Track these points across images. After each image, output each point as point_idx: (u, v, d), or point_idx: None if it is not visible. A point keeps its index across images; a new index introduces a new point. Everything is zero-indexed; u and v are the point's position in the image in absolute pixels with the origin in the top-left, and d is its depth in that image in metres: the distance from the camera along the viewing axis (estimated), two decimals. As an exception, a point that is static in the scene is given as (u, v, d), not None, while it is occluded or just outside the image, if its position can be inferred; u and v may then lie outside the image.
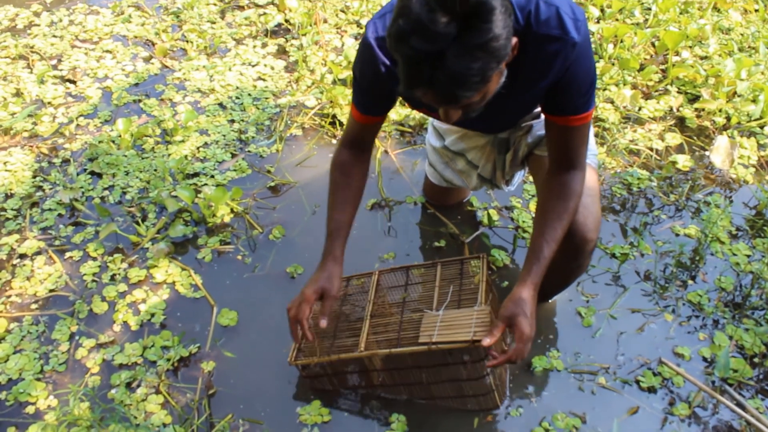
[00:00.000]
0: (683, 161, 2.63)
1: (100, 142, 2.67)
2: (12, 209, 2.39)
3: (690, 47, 3.31)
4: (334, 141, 2.73)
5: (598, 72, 3.04)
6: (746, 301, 2.07)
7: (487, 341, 1.47)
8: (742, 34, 3.46)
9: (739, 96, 2.93)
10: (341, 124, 2.78)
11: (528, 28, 1.32)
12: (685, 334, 1.98)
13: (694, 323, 2.02)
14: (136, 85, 3.06)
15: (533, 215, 2.24)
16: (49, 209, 2.39)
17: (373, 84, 1.51)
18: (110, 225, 2.22)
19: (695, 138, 2.79)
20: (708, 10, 3.61)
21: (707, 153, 2.67)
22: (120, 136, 2.66)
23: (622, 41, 3.25)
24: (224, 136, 2.73)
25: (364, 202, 2.40)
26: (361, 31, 3.42)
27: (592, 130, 1.87)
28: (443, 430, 1.73)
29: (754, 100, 2.89)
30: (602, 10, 3.58)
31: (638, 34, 3.22)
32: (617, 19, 3.54)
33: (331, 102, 2.84)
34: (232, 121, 2.83)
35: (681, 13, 3.61)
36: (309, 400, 1.80)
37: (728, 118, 2.87)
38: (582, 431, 1.73)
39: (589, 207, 1.66)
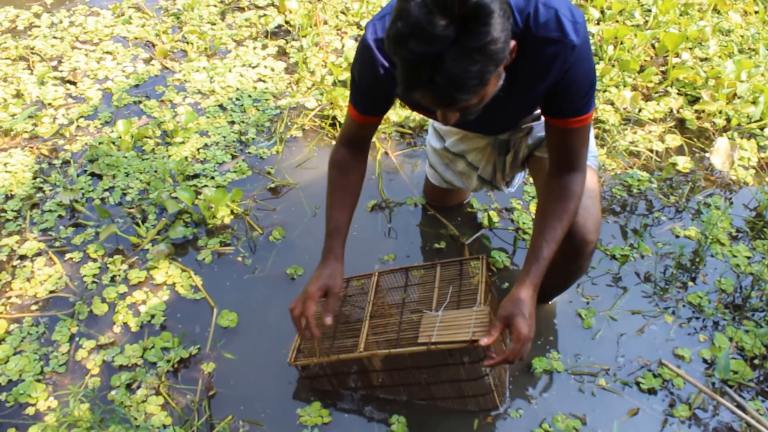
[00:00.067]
0: (683, 163, 2.63)
1: (100, 143, 2.67)
2: (12, 210, 2.39)
3: (690, 49, 3.31)
4: (334, 142, 2.72)
5: (598, 74, 3.04)
6: (746, 303, 2.07)
7: (484, 341, 1.47)
8: (742, 36, 3.47)
9: (739, 98, 2.93)
10: (341, 125, 2.78)
11: (527, 31, 1.33)
12: (685, 335, 1.98)
13: (695, 325, 2.01)
14: (137, 86, 3.07)
15: (533, 217, 2.24)
16: (50, 210, 2.39)
17: (372, 85, 1.51)
18: (110, 226, 2.22)
19: (695, 140, 2.79)
20: (708, 12, 3.62)
21: (707, 155, 2.67)
22: (120, 137, 2.66)
23: (622, 43, 3.25)
24: (224, 137, 2.73)
25: (365, 203, 2.40)
26: (362, 32, 3.42)
27: (592, 132, 1.87)
28: (443, 431, 1.73)
29: (754, 102, 2.89)
30: (602, 12, 3.58)
31: (638, 35, 3.23)
32: (617, 21, 3.55)
33: (332, 103, 2.84)
34: (233, 122, 2.83)
35: (681, 15, 3.61)
36: (309, 402, 1.80)
37: (728, 120, 2.88)
38: (582, 433, 1.73)
39: (589, 208, 1.66)
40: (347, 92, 2.78)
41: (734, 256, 2.23)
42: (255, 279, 2.16)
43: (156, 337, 1.96)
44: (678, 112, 2.92)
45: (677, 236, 2.31)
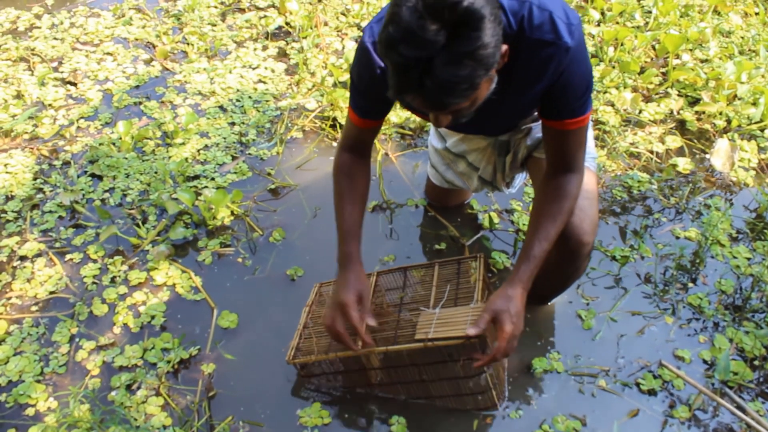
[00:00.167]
0: (683, 164, 2.63)
1: (100, 144, 2.67)
2: (12, 211, 2.39)
3: (690, 50, 3.31)
4: (334, 144, 2.73)
5: (598, 75, 3.04)
6: (746, 304, 2.07)
7: (471, 331, 1.48)
8: (742, 38, 3.47)
9: (739, 99, 2.93)
10: (342, 126, 2.78)
11: (521, 33, 1.33)
12: (685, 336, 1.98)
13: (695, 326, 2.01)
14: (137, 87, 3.07)
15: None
16: (50, 211, 2.39)
17: (370, 87, 1.51)
18: (111, 227, 2.22)
19: (695, 141, 2.79)
20: (708, 14, 3.62)
21: (708, 156, 2.67)
22: (120, 138, 2.66)
23: (622, 44, 3.25)
24: (225, 138, 2.73)
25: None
26: (362, 33, 3.42)
27: (591, 133, 1.87)
28: (443, 431, 1.73)
29: (755, 103, 2.89)
30: (603, 14, 3.58)
31: (639, 37, 3.23)
32: (618, 23, 3.55)
33: (332, 105, 2.84)
34: (233, 123, 2.83)
35: (681, 17, 3.61)
36: (309, 402, 1.80)
37: (728, 121, 2.88)
38: (582, 434, 1.73)
39: (585, 210, 1.66)
40: (347, 93, 2.78)
41: (734, 258, 2.23)
42: (255, 280, 2.16)
43: (156, 337, 1.96)
44: (678, 113, 2.92)
45: (677, 237, 2.31)
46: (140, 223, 2.32)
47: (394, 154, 2.67)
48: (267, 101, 2.96)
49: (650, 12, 3.61)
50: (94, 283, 2.13)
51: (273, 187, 2.51)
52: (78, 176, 2.54)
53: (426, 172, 2.39)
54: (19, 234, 2.32)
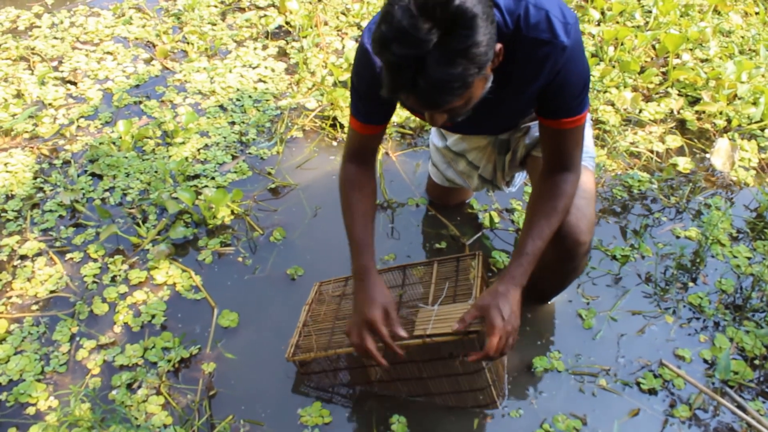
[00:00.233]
0: (684, 164, 2.63)
1: (100, 143, 2.67)
2: (13, 210, 2.39)
3: (690, 50, 3.31)
4: (334, 143, 2.73)
5: (599, 75, 3.04)
6: (747, 303, 2.07)
7: (455, 326, 1.48)
8: (742, 37, 3.47)
9: (739, 99, 2.93)
10: (342, 126, 2.78)
11: (517, 32, 1.33)
12: (685, 336, 1.98)
13: (695, 325, 2.02)
14: (137, 86, 3.07)
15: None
16: (50, 210, 2.39)
17: (371, 87, 1.51)
18: (111, 226, 2.22)
19: (696, 140, 2.79)
20: (708, 13, 3.62)
21: (708, 155, 2.68)
22: (121, 137, 2.66)
23: (622, 44, 3.25)
24: (225, 138, 2.73)
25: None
26: (362, 34, 3.42)
27: (590, 132, 1.87)
28: (443, 430, 1.73)
29: (755, 103, 2.89)
30: (603, 13, 3.58)
31: (639, 36, 3.23)
32: (618, 22, 3.55)
33: (332, 104, 2.84)
34: (233, 123, 2.83)
35: (681, 16, 3.62)
36: (310, 401, 1.80)
37: (729, 121, 2.88)
38: (583, 433, 1.73)
39: (582, 209, 1.66)
40: (347, 93, 2.78)
41: (735, 257, 2.23)
42: (255, 279, 2.16)
43: (156, 337, 1.96)
44: (678, 113, 2.92)
45: (678, 237, 2.31)
46: (140, 222, 2.32)
47: (395, 153, 2.67)
48: (267, 100, 2.96)
49: (650, 11, 3.61)
50: (94, 282, 2.13)
51: (273, 186, 2.51)
52: (78, 175, 2.54)
53: (427, 170, 2.39)
54: (20, 233, 2.31)
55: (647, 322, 2.02)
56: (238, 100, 2.96)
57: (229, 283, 2.15)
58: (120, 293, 2.09)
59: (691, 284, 2.14)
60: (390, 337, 1.51)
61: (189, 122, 2.70)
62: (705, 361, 1.91)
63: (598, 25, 3.50)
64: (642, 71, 3.12)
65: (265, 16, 3.59)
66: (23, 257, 2.23)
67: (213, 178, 2.52)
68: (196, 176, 2.53)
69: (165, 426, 1.73)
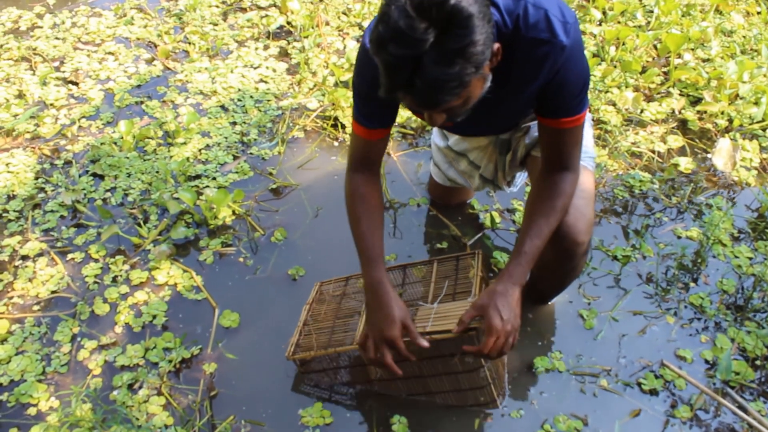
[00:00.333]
0: (685, 164, 2.63)
1: (102, 143, 2.67)
2: (14, 211, 2.39)
3: (692, 50, 3.31)
4: (336, 143, 2.73)
5: (600, 75, 3.04)
6: (748, 304, 2.07)
7: (456, 328, 1.49)
8: (744, 37, 3.46)
9: (741, 98, 2.93)
10: (343, 126, 2.78)
11: (516, 32, 1.33)
12: (686, 336, 1.98)
13: (696, 326, 2.01)
14: (138, 87, 3.07)
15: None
16: (51, 211, 2.39)
17: (372, 87, 1.50)
18: (112, 227, 2.23)
19: (697, 140, 2.79)
20: (710, 13, 3.61)
21: (709, 155, 2.67)
22: (122, 137, 2.66)
23: (624, 44, 3.25)
24: (226, 138, 2.73)
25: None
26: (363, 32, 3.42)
27: (591, 132, 1.87)
28: (444, 431, 1.73)
29: (757, 103, 2.89)
30: (604, 13, 3.58)
31: (640, 36, 3.22)
32: (619, 22, 3.55)
33: (333, 104, 2.84)
34: (234, 123, 2.83)
35: (683, 16, 3.61)
36: (311, 402, 1.80)
37: (730, 121, 2.87)
38: (584, 434, 1.73)
39: (581, 209, 1.66)
40: (349, 93, 2.78)
41: (736, 257, 2.23)
42: (257, 280, 2.16)
43: (158, 337, 1.96)
44: (680, 113, 2.92)
45: (679, 237, 2.31)
46: (142, 222, 2.32)
47: (397, 153, 2.67)
48: (268, 101, 2.96)
49: (652, 11, 3.61)
50: (95, 282, 2.14)
51: (274, 186, 2.51)
52: (79, 176, 2.54)
53: (428, 170, 2.38)
54: (21, 233, 2.32)
55: (648, 322, 2.02)
56: (239, 100, 2.96)
57: (230, 283, 2.15)
58: (121, 293, 2.10)
59: (692, 284, 2.14)
60: (409, 354, 1.52)
61: (190, 122, 2.71)
62: (706, 361, 1.91)
63: (600, 24, 3.49)
64: (643, 71, 3.12)
65: (267, 16, 3.59)
66: (25, 257, 2.23)
67: (214, 179, 2.52)
68: (198, 176, 2.53)
69: (166, 426, 1.73)
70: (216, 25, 3.54)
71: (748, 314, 2.04)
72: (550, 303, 2.05)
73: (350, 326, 1.78)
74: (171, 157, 2.62)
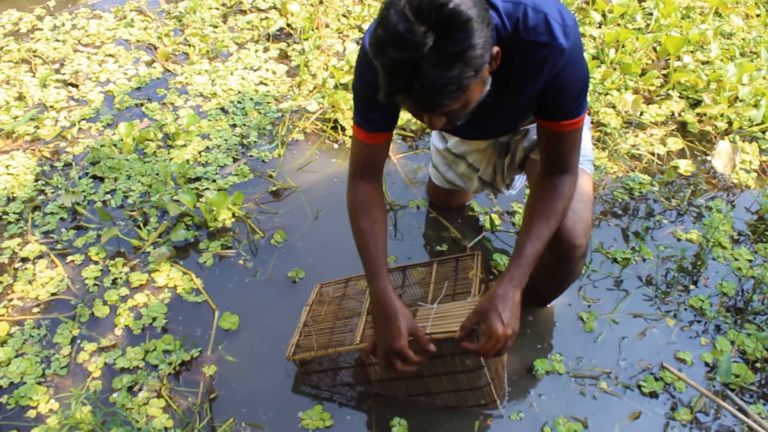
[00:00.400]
0: (685, 166, 2.63)
1: (102, 145, 2.67)
2: (14, 213, 2.40)
3: (692, 52, 3.31)
4: (335, 146, 2.73)
5: (600, 77, 3.04)
6: (748, 306, 2.07)
7: (458, 334, 1.49)
8: (743, 39, 3.47)
9: (740, 101, 2.93)
10: (343, 128, 2.78)
11: (516, 35, 1.33)
12: (686, 339, 1.98)
13: (696, 328, 2.01)
14: (138, 89, 3.07)
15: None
16: (51, 213, 2.39)
17: (373, 90, 1.50)
18: (112, 229, 2.23)
19: (697, 143, 2.79)
20: (709, 15, 3.62)
21: (709, 158, 2.67)
22: (122, 140, 2.67)
23: (623, 46, 3.25)
24: (226, 140, 2.73)
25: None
26: (363, 35, 3.42)
27: (589, 135, 1.88)
28: (444, 434, 1.73)
29: (756, 105, 2.89)
30: (604, 15, 3.58)
31: (640, 39, 3.23)
32: (619, 24, 3.55)
33: (333, 107, 2.84)
34: (234, 125, 2.83)
35: (682, 18, 3.61)
36: (311, 404, 1.80)
37: (730, 123, 2.87)
38: (584, 436, 1.73)
39: (579, 212, 1.66)
40: (349, 95, 2.79)
41: (736, 260, 2.23)
42: (256, 282, 2.16)
43: (157, 339, 1.96)
44: (679, 115, 2.92)
45: (679, 239, 2.31)
46: (141, 224, 2.32)
47: (396, 155, 2.67)
48: (268, 103, 2.96)
49: (651, 14, 3.61)
50: (95, 284, 2.14)
51: (274, 189, 2.51)
52: (79, 178, 2.54)
53: (427, 173, 2.39)
54: (21, 236, 2.32)
55: (648, 324, 2.01)
56: (239, 102, 2.96)
57: (230, 285, 2.15)
58: (121, 296, 2.10)
59: (692, 287, 2.14)
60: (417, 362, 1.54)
61: (190, 125, 2.71)
62: (706, 364, 1.91)
63: (599, 27, 3.49)
64: (643, 73, 3.12)
65: (267, 18, 3.59)
66: (24, 260, 2.23)
67: (214, 181, 2.52)
68: (197, 179, 2.54)
69: (166, 429, 1.73)
70: (216, 27, 3.54)
71: (748, 317, 2.04)
72: (549, 305, 2.05)
73: (350, 327, 1.78)
74: (171, 159, 2.62)
